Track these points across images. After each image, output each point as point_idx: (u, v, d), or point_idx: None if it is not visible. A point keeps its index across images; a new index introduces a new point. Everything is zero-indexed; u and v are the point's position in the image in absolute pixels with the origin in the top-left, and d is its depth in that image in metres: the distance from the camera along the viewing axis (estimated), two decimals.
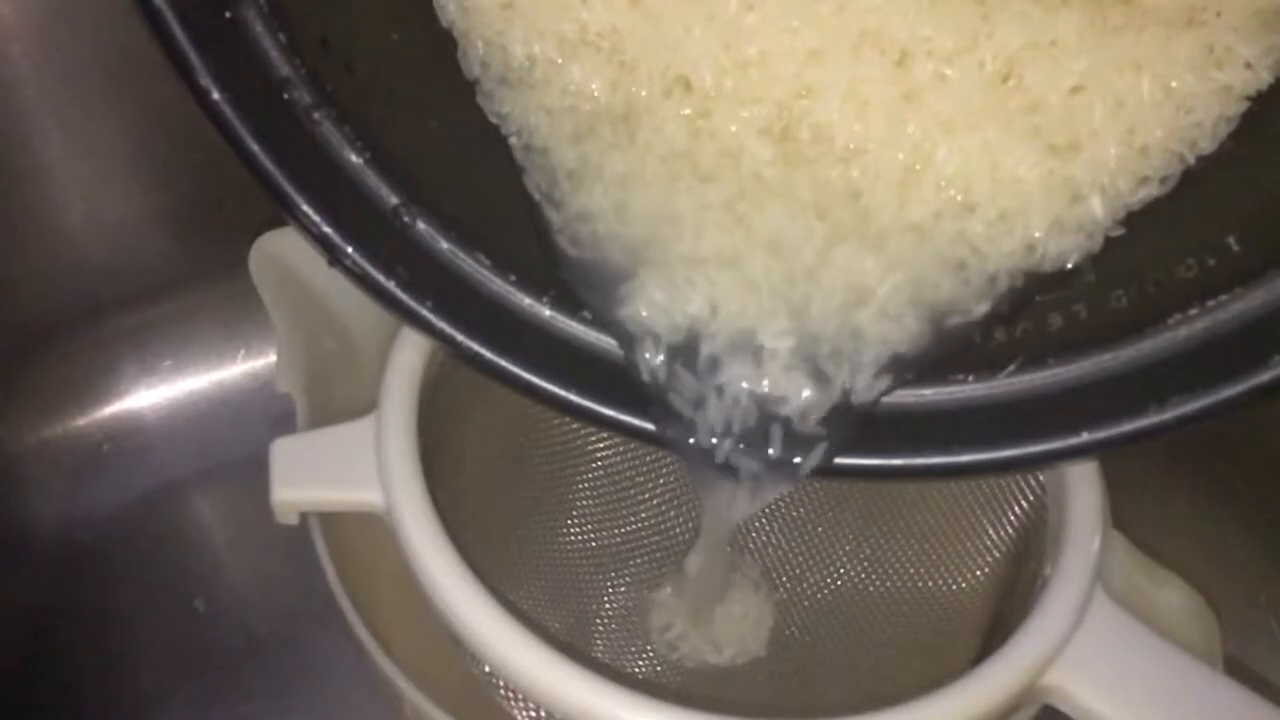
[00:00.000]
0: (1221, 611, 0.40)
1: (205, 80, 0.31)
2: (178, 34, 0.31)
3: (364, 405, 0.39)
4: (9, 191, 0.54)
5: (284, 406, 0.43)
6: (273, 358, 0.46)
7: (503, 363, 0.33)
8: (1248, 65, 0.32)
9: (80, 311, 0.59)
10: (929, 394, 0.33)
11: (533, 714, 0.39)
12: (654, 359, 0.33)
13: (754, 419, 0.32)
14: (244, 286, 0.44)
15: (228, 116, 0.31)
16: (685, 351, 0.33)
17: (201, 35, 0.31)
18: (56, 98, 0.52)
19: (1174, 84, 0.31)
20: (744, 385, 0.32)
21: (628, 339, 0.33)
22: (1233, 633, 0.40)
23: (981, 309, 0.32)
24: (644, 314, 0.33)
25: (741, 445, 0.33)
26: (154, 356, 0.61)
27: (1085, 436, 0.31)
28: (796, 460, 0.32)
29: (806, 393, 0.32)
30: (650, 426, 0.33)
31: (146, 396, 0.61)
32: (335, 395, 0.43)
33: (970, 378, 0.33)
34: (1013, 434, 0.32)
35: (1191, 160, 0.32)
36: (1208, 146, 0.32)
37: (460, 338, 0.33)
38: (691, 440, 0.33)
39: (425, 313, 0.33)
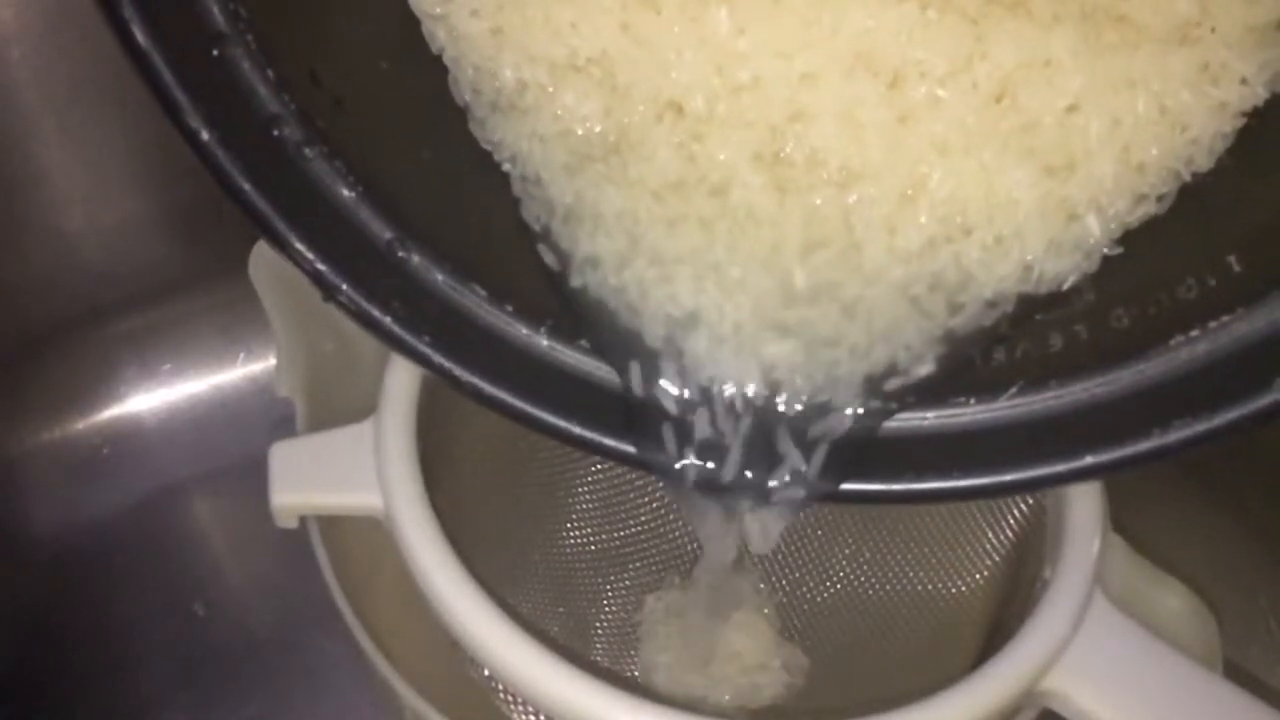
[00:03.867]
0: (1221, 615, 0.40)
1: (194, 121, 0.31)
2: (165, 74, 0.30)
3: (363, 408, 0.40)
4: (9, 195, 0.54)
5: (283, 411, 0.43)
6: (272, 361, 0.46)
7: (502, 395, 0.33)
8: (1243, 81, 0.31)
9: (80, 315, 0.59)
10: (930, 418, 0.33)
11: (531, 718, 0.39)
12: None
13: (753, 455, 0.32)
14: (243, 290, 0.44)
15: (218, 156, 0.31)
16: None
17: (189, 75, 0.30)
18: (57, 102, 0.52)
19: (1169, 101, 0.31)
20: (739, 424, 0.32)
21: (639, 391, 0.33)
22: (1232, 636, 0.40)
23: (930, 360, 0.32)
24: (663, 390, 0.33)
25: (744, 476, 0.33)
26: (153, 360, 0.61)
27: (1089, 460, 0.31)
28: (792, 491, 0.32)
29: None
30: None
31: (146, 400, 0.61)
32: (334, 399, 0.43)
33: (972, 401, 0.33)
34: (1015, 458, 0.32)
35: (1189, 178, 0.32)
36: (1205, 164, 0.32)
37: (459, 372, 0.33)
38: (690, 473, 0.33)
39: (423, 348, 0.33)
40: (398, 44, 0.35)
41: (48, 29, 0.50)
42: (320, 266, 0.32)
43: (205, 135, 0.31)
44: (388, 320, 0.33)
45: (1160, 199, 0.32)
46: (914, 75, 0.31)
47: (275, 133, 0.32)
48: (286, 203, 0.32)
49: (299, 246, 0.32)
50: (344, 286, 0.32)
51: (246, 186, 0.31)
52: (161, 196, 0.57)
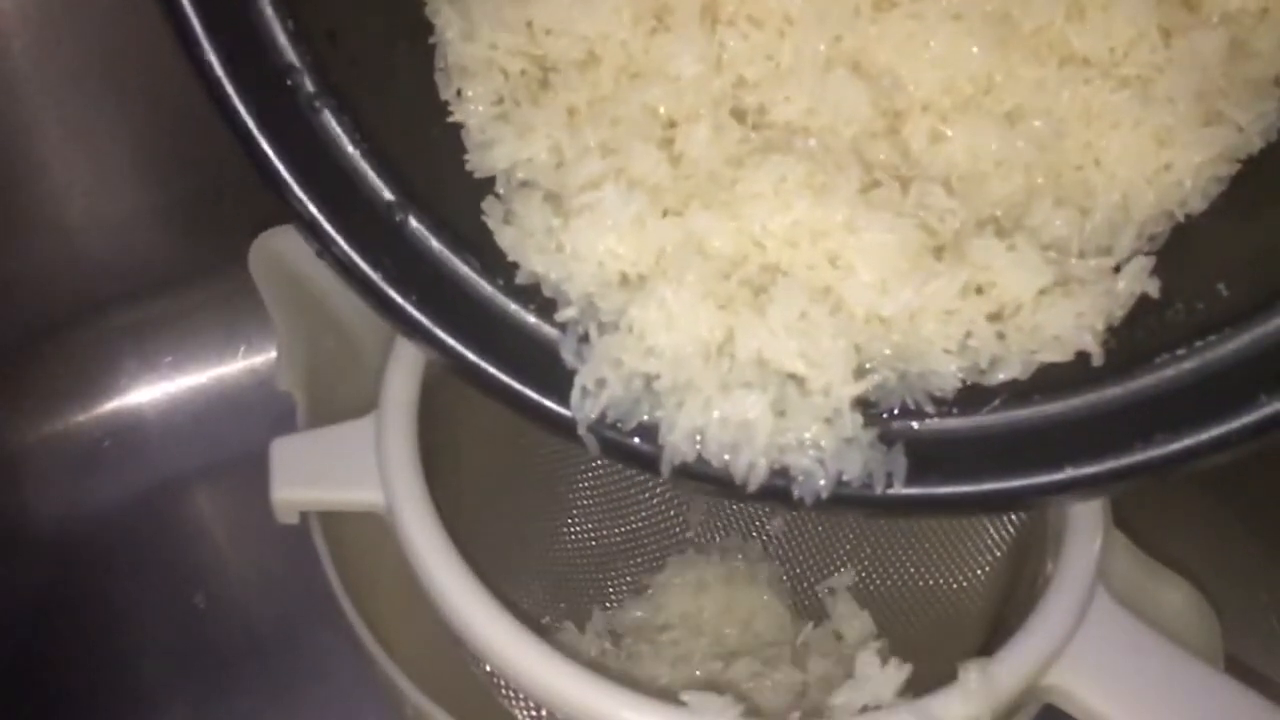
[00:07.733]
0: (1222, 610, 0.40)
1: (208, 53, 0.31)
2: (189, 12, 0.31)
3: (364, 404, 0.39)
4: (10, 188, 0.54)
5: (284, 404, 0.43)
6: (273, 355, 0.45)
7: (484, 365, 0.33)
8: (1239, 130, 0.32)
9: (81, 308, 0.59)
10: (914, 427, 0.33)
11: (533, 713, 0.39)
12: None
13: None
14: (244, 283, 0.44)
15: (227, 90, 0.31)
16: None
17: (212, 15, 0.31)
18: (57, 94, 0.52)
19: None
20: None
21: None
22: (1233, 631, 0.40)
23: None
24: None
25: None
26: (154, 353, 0.61)
27: (1068, 472, 0.31)
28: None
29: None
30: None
31: (147, 393, 0.61)
32: (335, 394, 0.43)
33: (954, 411, 0.32)
34: (994, 468, 0.32)
35: (1182, 218, 0.33)
36: (1199, 206, 0.33)
37: (441, 334, 0.33)
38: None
39: (408, 307, 0.33)
40: (418, 28, 0.35)
41: (48, 20, 0.50)
42: (315, 214, 0.32)
43: (218, 69, 0.31)
44: (376, 276, 0.33)
45: (1153, 239, 0.33)
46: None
47: (289, 82, 0.32)
48: (291, 150, 0.32)
49: (298, 193, 0.32)
50: (339, 239, 0.32)
51: (253, 127, 0.32)
52: (163, 189, 0.57)
